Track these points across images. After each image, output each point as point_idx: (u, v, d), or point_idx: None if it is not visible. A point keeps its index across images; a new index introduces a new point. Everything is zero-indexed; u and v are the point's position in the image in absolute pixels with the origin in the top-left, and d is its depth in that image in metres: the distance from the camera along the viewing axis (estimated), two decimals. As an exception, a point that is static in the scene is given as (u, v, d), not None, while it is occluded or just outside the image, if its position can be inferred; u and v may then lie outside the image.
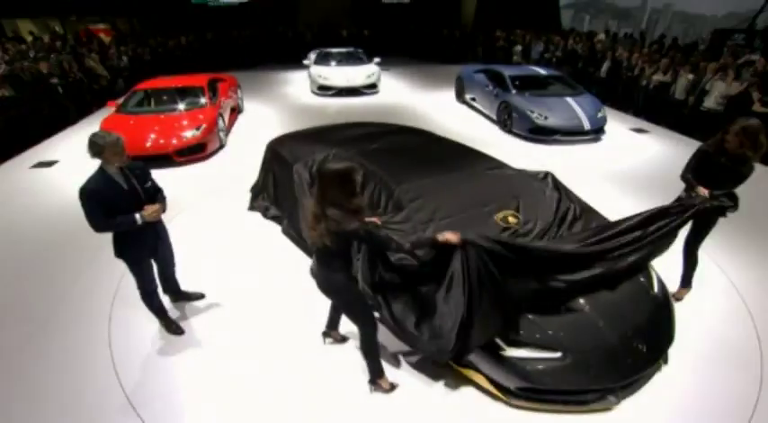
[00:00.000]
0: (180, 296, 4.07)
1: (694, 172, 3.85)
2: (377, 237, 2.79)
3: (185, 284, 4.09)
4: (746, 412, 2.99)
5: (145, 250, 3.41)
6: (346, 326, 3.51)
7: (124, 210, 3.11)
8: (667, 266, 3.87)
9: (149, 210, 3.17)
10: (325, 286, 2.96)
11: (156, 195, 3.40)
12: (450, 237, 2.86)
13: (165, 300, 3.85)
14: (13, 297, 4.26)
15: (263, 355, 3.51)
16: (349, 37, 18.50)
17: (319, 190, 2.69)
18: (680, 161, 7.31)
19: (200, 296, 4.15)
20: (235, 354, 3.53)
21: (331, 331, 3.62)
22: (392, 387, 3.20)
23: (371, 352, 3.10)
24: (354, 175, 2.67)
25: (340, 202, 2.62)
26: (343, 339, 3.67)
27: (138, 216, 3.13)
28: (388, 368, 3.34)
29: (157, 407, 3.06)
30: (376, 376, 3.17)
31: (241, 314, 3.97)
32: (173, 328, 3.75)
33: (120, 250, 3.34)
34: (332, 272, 2.86)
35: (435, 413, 3.03)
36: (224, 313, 3.99)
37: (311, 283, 3.30)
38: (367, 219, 3.12)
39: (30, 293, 4.30)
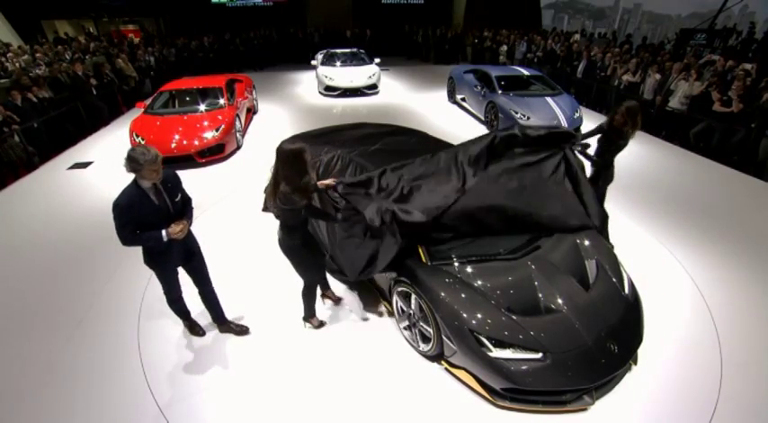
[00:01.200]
0: (224, 327, 3.60)
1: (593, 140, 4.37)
2: (317, 211, 3.29)
3: (215, 280, 3.90)
4: (709, 409, 2.90)
5: (171, 262, 3.14)
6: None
7: (153, 225, 2.82)
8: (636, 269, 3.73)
9: (175, 229, 2.85)
10: (282, 248, 3.24)
11: (185, 209, 3.07)
12: (326, 182, 3.34)
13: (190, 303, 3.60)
14: (46, 297, 4.10)
15: (283, 356, 3.38)
16: (352, 37, 17.87)
17: (275, 167, 2.81)
18: (653, 162, 7.20)
19: (245, 330, 3.60)
20: (254, 355, 3.40)
21: (326, 292, 3.89)
22: (321, 324, 3.65)
23: (306, 297, 3.50)
24: (304, 155, 2.74)
25: (291, 180, 2.74)
26: (338, 300, 3.92)
27: (164, 233, 2.82)
28: (382, 369, 3.23)
29: (183, 408, 2.95)
30: (308, 316, 3.62)
31: (262, 316, 3.81)
32: (196, 330, 3.58)
33: (149, 260, 3.08)
34: (286, 236, 3.15)
35: (426, 413, 2.91)
36: (246, 315, 3.83)
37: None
38: (325, 181, 3.40)
39: (62, 294, 4.13)
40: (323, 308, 3.87)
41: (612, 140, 4.17)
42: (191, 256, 3.23)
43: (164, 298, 3.96)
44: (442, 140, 5.43)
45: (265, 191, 3.34)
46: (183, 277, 3.31)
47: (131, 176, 2.76)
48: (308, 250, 3.32)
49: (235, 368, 3.26)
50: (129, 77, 11.24)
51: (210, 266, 4.42)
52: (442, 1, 21.44)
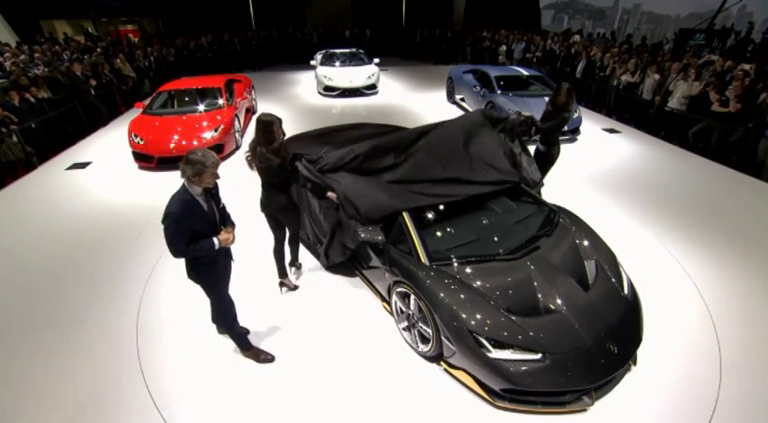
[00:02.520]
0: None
1: (542, 119, 4.95)
2: (288, 170, 3.63)
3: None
4: (708, 409, 2.89)
5: (218, 271, 2.94)
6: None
7: (204, 233, 2.69)
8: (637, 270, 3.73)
9: (227, 237, 2.77)
10: (274, 207, 3.70)
11: (226, 215, 2.97)
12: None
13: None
14: (44, 298, 4.08)
15: (282, 356, 3.36)
16: (351, 37, 17.86)
17: (255, 134, 3.44)
18: (652, 162, 7.21)
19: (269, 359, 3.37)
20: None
21: (296, 263, 4.32)
22: (295, 287, 4.09)
23: (276, 257, 4.01)
24: (273, 126, 3.39)
25: (264, 143, 3.39)
26: (300, 266, 4.38)
27: (216, 241, 2.70)
28: (381, 370, 3.23)
29: (181, 409, 2.93)
30: (281, 276, 4.08)
31: (261, 316, 3.80)
32: (261, 357, 3.28)
33: (194, 272, 2.87)
34: (269, 197, 3.67)
35: (425, 414, 2.90)
36: (245, 316, 3.82)
37: (325, 283, 3.88)
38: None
39: (60, 294, 4.12)
40: (323, 307, 3.87)
41: (558, 117, 4.86)
42: (229, 265, 3.10)
43: (163, 298, 3.95)
44: None
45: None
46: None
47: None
48: (293, 206, 3.86)
49: (233, 368, 3.25)
50: (127, 77, 11.22)
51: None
52: (443, 1, 21.44)
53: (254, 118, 4.11)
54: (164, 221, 2.58)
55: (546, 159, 5.10)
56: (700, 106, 7.85)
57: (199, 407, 2.95)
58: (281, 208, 3.71)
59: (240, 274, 4.32)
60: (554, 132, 4.98)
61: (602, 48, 11.69)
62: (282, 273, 4.08)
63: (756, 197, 6.10)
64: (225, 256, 3.01)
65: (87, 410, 2.94)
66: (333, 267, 4.35)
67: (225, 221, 2.93)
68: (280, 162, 3.45)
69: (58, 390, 3.10)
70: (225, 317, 3.19)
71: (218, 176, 2.69)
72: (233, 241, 2.86)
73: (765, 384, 3.09)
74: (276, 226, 3.87)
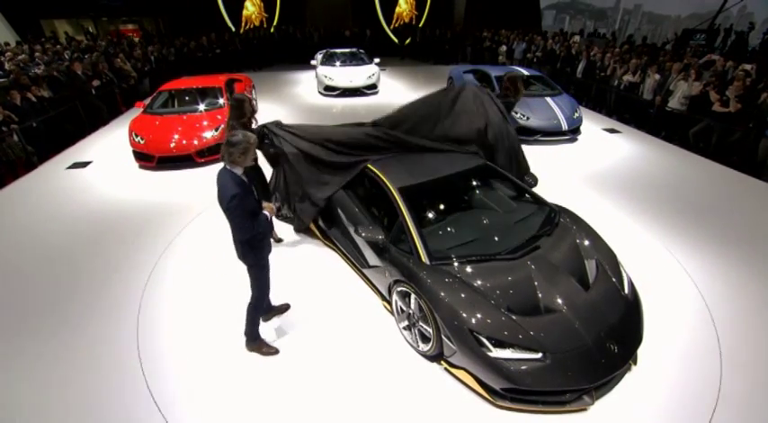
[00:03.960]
0: (271, 312, 3.69)
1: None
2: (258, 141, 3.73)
3: (215, 279, 3.97)
4: (708, 409, 2.89)
5: (267, 250, 3.13)
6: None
7: (255, 209, 2.86)
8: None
9: (271, 206, 3.02)
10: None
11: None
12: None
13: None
14: (44, 296, 4.09)
15: (282, 355, 3.37)
16: (351, 37, 17.86)
17: (230, 112, 4.21)
18: (652, 162, 7.22)
19: (287, 307, 3.76)
20: (253, 354, 3.38)
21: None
22: (279, 240, 4.79)
23: None
24: (244, 103, 4.18)
25: (236, 118, 4.14)
26: (280, 240, 4.79)
27: (266, 213, 2.93)
28: (382, 369, 3.22)
29: (182, 408, 2.93)
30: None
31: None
32: (264, 350, 3.34)
33: (252, 252, 2.99)
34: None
35: (426, 413, 2.90)
36: (245, 314, 3.83)
37: (325, 282, 3.93)
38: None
39: (60, 293, 4.12)
40: (323, 307, 3.87)
41: (508, 106, 5.21)
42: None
43: (164, 297, 3.95)
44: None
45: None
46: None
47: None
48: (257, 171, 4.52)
49: (233, 367, 3.25)
50: (128, 77, 11.22)
51: (210, 266, 4.45)
52: (443, 1, 21.43)
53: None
54: (229, 204, 2.68)
55: None
56: (700, 106, 7.85)
57: (200, 406, 2.95)
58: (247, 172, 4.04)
59: (239, 273, 4.35)
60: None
61: (603, 48, 11.69)
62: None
63: (757, 197, 6.10)
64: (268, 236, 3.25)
65: (88, 410, 2.94)
66: (333, 266, 4.36)
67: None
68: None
69: (58, 389, 3.10)
70: (264, 296, 3.30)
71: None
72: (274, 212, 3.13)
73: (766, 384, 3.09)
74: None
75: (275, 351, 3.35)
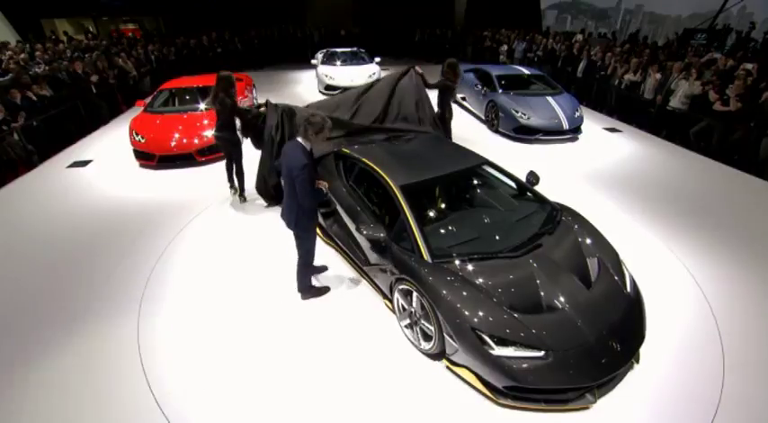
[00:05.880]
0: (316, 270, 4.18)
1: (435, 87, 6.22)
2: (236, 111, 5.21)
3: (216, 278, 3.99)
4: (711, 407, 2.88)
5: (316, 220, 3.59)
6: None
7: (314, 181, 3.27)
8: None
9: (323, 182, 3.39)
10: (222, 138, 5.44)
11: None
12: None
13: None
14: (45, 295, 4.08)
15: (282, 354, 3.36)
16: (352, 37, 17.84)
17: (217, 84, 5.06)
18: (653, 162, 7.21)
19: (327, 289, 4.06)
20: (254, 352, 3.38)
21: (243, 194, 5.77)
22: (244, 199, 5.77)
23: (227, 173, 5.77)
24: (232, 79, 5.12)
25: (224, 90, 5.01)
26: (244, 199, 5.72)
27: (323, 187, 3.35)
28: (384, 368, 3.21)
29: (182, 406, 2.92)
30: (241, 192, 5.76)
31: (261, 314, 3.79)
32: (315, 292, 3.91)
33: (308, 220, 3.46)
34: (224, 130, 5.33)
35: (428, 412, 2.89)
36: (246, 313, 3.83)
37: (325, 281, 4.01)
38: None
39: (61, 292, 4.11)
40: (324, 306, 3.86)
41: (447, 88, 6.13)
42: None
43: (165, 295, 3.97)
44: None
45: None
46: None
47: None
48: (235, 140, 5.47)
49: (234, 365, 3.24)
50: (128, 75, 11.21)
51: (211, 265, 4.44)
52: (443, 1, 21.42)
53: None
54: (300, 172, 3.08)
55: (440, 117, 6.24)
56: (701, 105, 7.84)
57: (201, 404, 2.94)
58: (226, 140, 5.34)
59: (240, 271, 4.35)
60: (442, 96, 6.22)
61: (603, 47, 11.67)
62: (230, 183, 5.80)
63: (758, 196, 6.09)
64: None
65: (88, 409, 2.93)
66: (333, 266, 4.36)
67: None
68: (231, 103, 5.09)
69: (58, 388, 3.09)
70: (310, 257, 3.72)
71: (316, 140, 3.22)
72: (326, 187, 3.48)
73: (768, 382, 3.09)
74: (226, 152, 5.62)
75: (327, 289, 3.96)
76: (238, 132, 5.54)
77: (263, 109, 5.21)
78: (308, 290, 3.90)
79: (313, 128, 3.13)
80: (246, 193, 5.80)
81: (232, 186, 5.82)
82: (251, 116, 5.24)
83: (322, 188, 3.41)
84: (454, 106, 11.09)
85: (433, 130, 5.76)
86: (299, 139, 3.23)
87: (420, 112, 5.82)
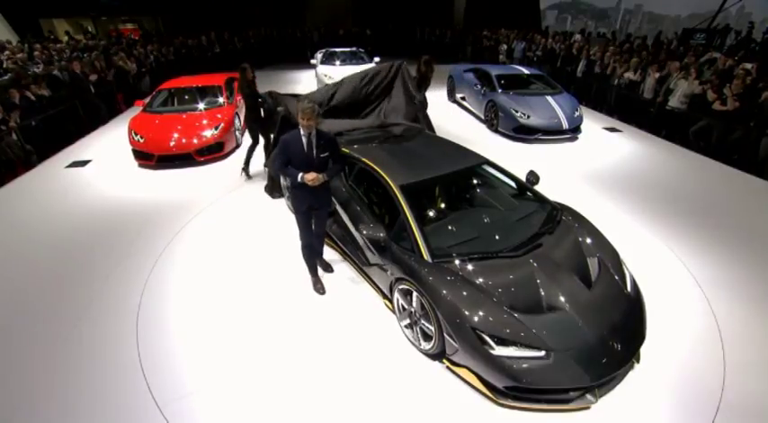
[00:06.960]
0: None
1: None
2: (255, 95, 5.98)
3: (214, 278, 3.99)
4: (712, 407, 2.88)
5: (303, 206, 3.66)
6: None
7: (297, 166, 3.43)
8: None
9: (308, 176, 3.40)
10: (249, 119, 6.18)
11: (327, 165, 3.55)
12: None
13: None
14: (44, 295, 4.06)
15: (282, 354, 3.35)
16: (352, 36, 17.82)
17: (241, 76, 5.89)
18: (653, 161, 7.21)
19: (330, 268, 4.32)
20: (254, 353, 3.36)
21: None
22: (248, 177, 6.53)
23: (248, 153, 6.51)
24: (247, 71, 5.87)
25: (241, 79, 5.86)
26: (249, 177, 6.51)
27: (300, 175, 3.41)
28: (383, 368, 3.21)
29: (182, 407, 2.91)
30: (246, 171, 6.50)
31: (262, 313, 3.78)
32: (317, 287, 4.01)
33: (291, 197, 4.02)
34: (251, 112, 6.11)
35: (428, 412, 2.88)
36: (246, 312, 3.81)
37: (325, 281, 4.01)
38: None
39: (59, 292, 4.09)
40: (324, 305, 3.85)
41: (422, 82, 6.22)
42: (315, 207, 3.72)
43: (164, 295, 3.99)
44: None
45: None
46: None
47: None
48: (260, 121, 6.13)
49: (234, 366, 3.23)
50: (128, 75, 11.19)
51: (210, 265, 4.43)
52: (443, 1, 21.42)
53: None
54: (274, 145, 3.67)
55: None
56: (700, 105, 7.84)
57: (200, 404, 2.93)
58: (254, 120, 6.09)
59: (238, 271, 4.34)
60: (419, 87, 6.23)
61: (603, 47, 11.66)
62: (245, 166, 6.53)
63: (758, 196, 6.09)
64: (309, 196, 3.60)
65: (87, 408, 2.92)
66: (334, 264, 4.37)
67: (321, 169, 3.50)
68: (248, 92, 5.93)
69: (57, 388, 3.08)
70: (302, 244, 3.90)
71: (311, 126, 3.33)
72: (314, 182, 3.42)
73: (769, 382, 3.08)
74: (252, 135, 6.33)
75: (323, 292, 4.00)
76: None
77: (280, 108, 5.49)
78: (313, 277, 4.07)
79: (303, 114, 3.32)
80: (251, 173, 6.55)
81: (245, 170, 6.52)
82: (267, 105, 5.80)
83: (297, 174, 3.46)
84: (454, 106, 11.40)
85: (419, 121, 5.99)
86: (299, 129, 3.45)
87: (408, 105, 6.00)
